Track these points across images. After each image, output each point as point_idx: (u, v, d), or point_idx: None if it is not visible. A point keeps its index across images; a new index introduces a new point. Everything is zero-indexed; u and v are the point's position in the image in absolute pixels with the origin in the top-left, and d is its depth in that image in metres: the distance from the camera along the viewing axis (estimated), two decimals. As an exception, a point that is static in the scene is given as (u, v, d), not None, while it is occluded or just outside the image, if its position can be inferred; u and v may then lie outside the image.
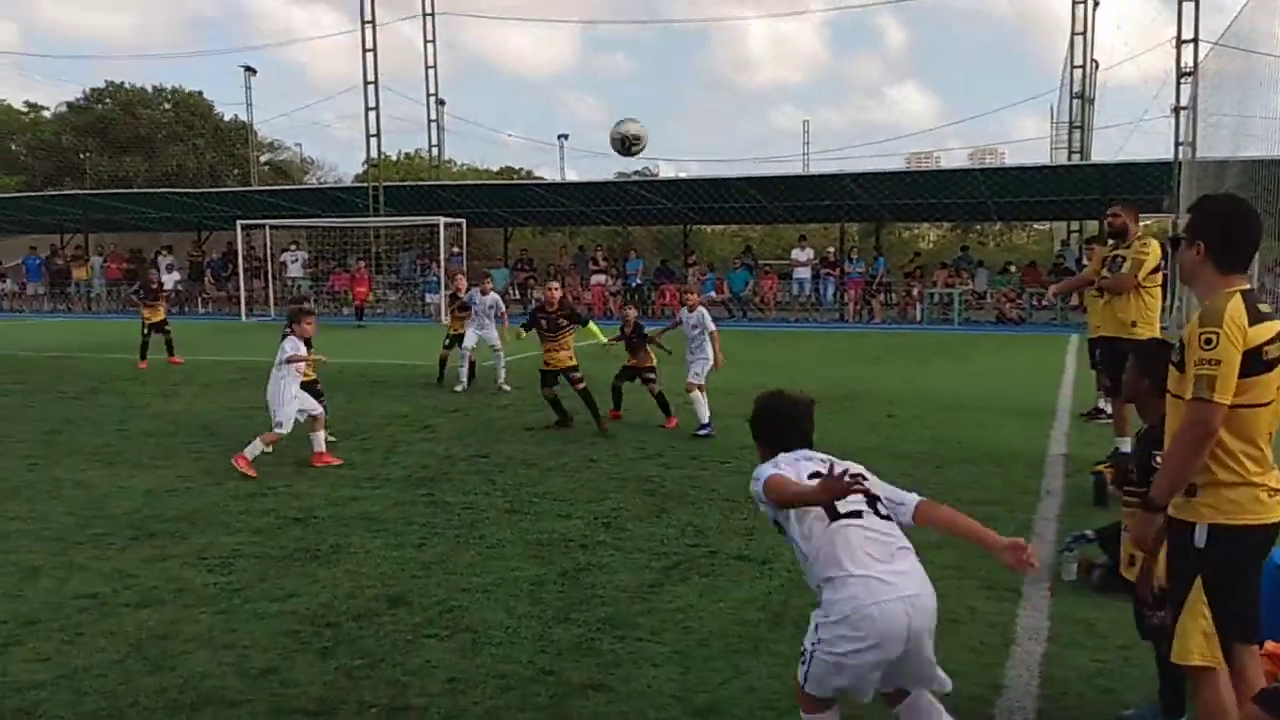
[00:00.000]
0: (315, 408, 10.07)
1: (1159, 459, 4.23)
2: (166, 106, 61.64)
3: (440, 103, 39.60)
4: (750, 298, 31.83)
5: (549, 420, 11.92)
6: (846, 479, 3.59)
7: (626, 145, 12.32)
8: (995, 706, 4.73)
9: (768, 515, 4.04)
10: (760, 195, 32.03)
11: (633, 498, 8.50)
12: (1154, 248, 9.42)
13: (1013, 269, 31.22)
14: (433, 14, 37.15)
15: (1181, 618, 3.74)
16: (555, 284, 13.13)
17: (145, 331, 18.55)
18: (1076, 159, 31.44)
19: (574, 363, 11.95)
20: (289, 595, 6.17)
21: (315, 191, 43.20)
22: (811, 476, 3.83)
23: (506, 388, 14.75)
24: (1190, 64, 22.87)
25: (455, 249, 31.79)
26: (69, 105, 61.86)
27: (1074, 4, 31.72)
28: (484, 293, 15.42)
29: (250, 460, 9.44)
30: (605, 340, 12.48)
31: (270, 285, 33.74)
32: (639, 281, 32.82)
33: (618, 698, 4.78)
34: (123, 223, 41.06)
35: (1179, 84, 23.65)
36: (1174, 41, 23.81)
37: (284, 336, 10.20)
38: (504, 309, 15.74)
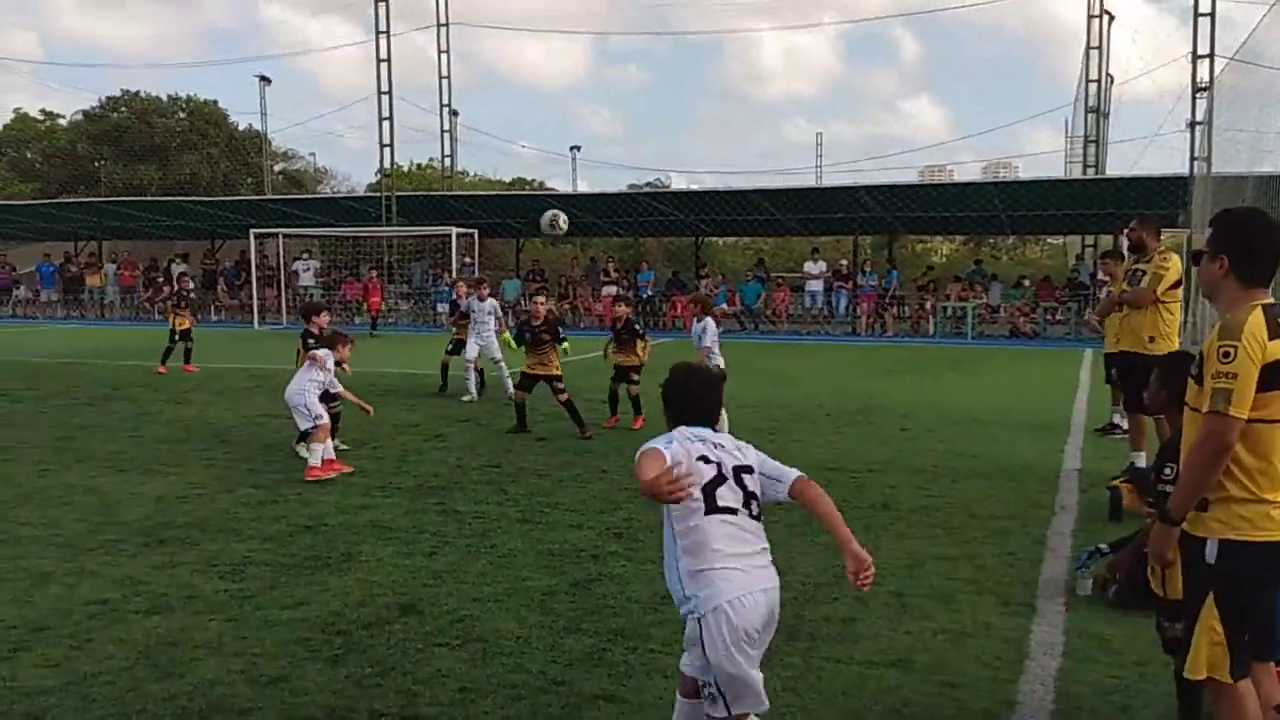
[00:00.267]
0: (324, 418, 10.11)
1: (1168, 470, 4.22)
2: (182, 115, 62.05)
3: (453, 113, 39.82)
4: (762, 310, 31.78)
5: (513, 425, 12.22)
6: (673, 486, 3.57)
7: (553, 225, 13.17)
8: (1010, 722, 4.69)
9: None
10: (773, 207, 32.02)
11: (644, 509, 8.45)
12: (1174, 263, 9.38)
13: (1026, 283, 31.17)
14: (447, 24, 37.42)
15: (1195, 633, 3.72)
16: (541, 299, 13.50)
17: (175, 337, 18.83)
18: (1091, 173, 31.38)
19: (558, 373, 12.32)
20: (299, 603, 6.15)
21: (328, 201, 43.34)
22: (700, 459, 3.84)
23: (465, 399, 14.85)
24: (1206, 79, 22.85)
25: (467, 259, 31.84)
26: (85, 113, 62.30)
27: (1090, 18, 31.76)
28: (481, 299, 15.44)
29: (320, 465, 9.57)
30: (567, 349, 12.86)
31: (283, 294, 33.83)
32: (650, 293, 32.80)
33: (629, 709, 4.74)
34: (137, 230, 41.26)
35: (1194, 99, 23.62)
36: (1190, 56, 23.80)
37: (306, 343, 10.82)
38: (501, 314, 15.82)
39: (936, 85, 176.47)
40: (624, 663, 5.25)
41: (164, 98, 62.61)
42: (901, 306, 31.34)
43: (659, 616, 5.90)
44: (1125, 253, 10.14)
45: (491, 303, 15.52)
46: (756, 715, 3.91)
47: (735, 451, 3.96)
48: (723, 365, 11.59)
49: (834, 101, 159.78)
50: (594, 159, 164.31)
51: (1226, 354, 3.55)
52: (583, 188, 55.84)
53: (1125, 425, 11.16)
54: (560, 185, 60.49)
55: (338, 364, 10.57)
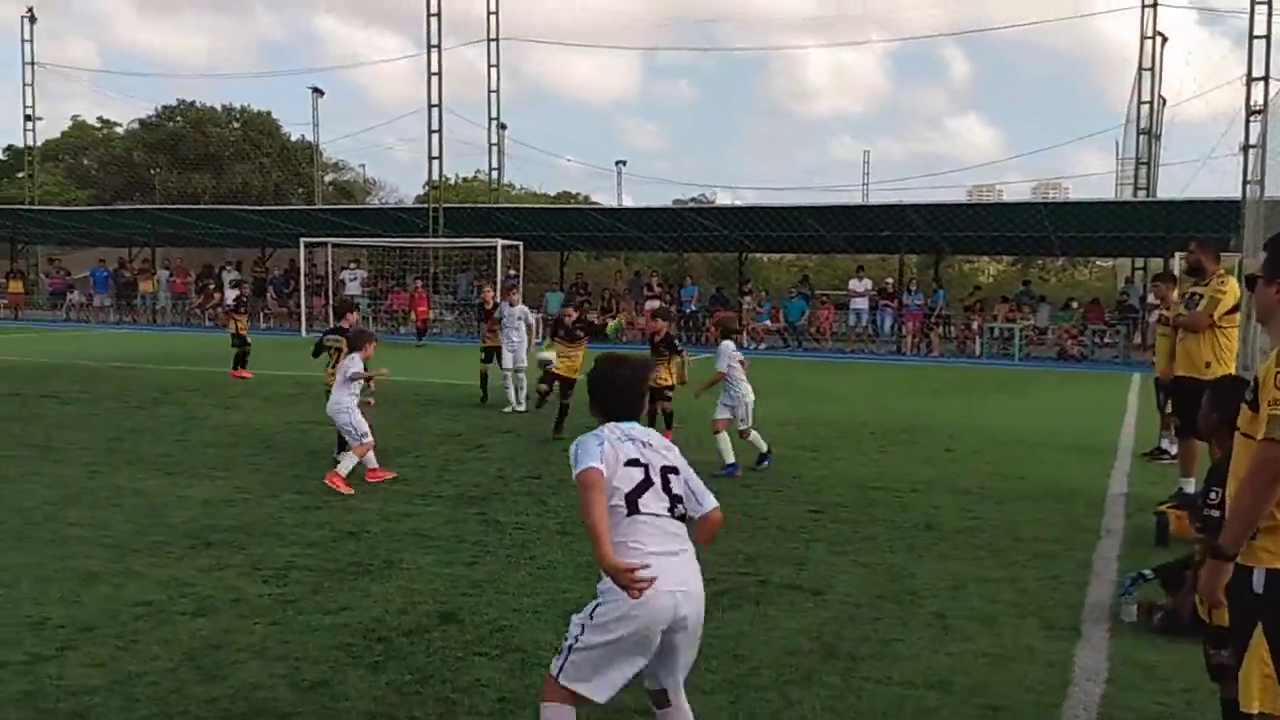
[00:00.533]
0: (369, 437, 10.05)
1: (1214, 494, 4.13)
2: (235, 125, 62.94)
3: (501, 127, 40.06)
4: (806, 327, 31.65)
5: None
6: (631, 583, 3.60)
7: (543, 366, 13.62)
8: (1052, 748, 4.63)
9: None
10: (818, 224, 31.92)
11: (685, 523, 8.44)
12: (1231, 286, 9.24)
13: (1075, 305, 30.80)
14: (497, 39, 37.67)
15: (1244, 664, 3.64)
16: (570, 310, 14.45)
17: (243, 342, 19.32)
18: (1142, 195, 31.03)
19: (574, 378, 12.75)
20: (341, 609, 6.20)
21: (377, 211, 43.79)
22: (629, 463, 3.85)
23: (520, 408, 14.92)
24: (1260, 101, 22.59)
25: (512, 271, 32.02)
26: (141, 122, 63.40)
27: (1143, 39, 31.41)
28: (511, 304, 15.61)
29: (344, 476, 9.50)
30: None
31: (329, 302, 34.15)
32: (694, 308, 32.79)
33: (666, 724, 4.72)
34: (189, 238, 41.88)
35: (1248, 121, 23.37)
36: (1244, 79, 23.53)
37: (322, 349, 11.11)
38: (532, 320, 15.96)
39: (985, 104, 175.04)
40: (662, 677, 5.23)
41: (218, 108, 63.63)
42: (947, 326, 31.10)
43: (698, 632, 5.88)
44: (1178, 275, 10.00)
45: (522, 309, 15.64)
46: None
47: (664, 451, 3.98)
48: (749, 390, 10.86)
49: (881, 119, 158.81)
50: (640, 174, 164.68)
51: None
52: (628, 202, 56.13)
53: (1174, 451, 11.02)
54: (606, 199, 60.74)
55: (365, 380, 10.25)
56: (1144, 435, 13.28)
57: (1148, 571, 6.45)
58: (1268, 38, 22.97)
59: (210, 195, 55.33)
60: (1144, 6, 31.08)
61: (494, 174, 41.53)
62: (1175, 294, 10.91)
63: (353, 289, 35.50)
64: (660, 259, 43.81)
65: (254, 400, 15.71)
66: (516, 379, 15.11)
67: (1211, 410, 4.53)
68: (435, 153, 35.60)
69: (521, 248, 31.79)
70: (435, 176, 36.65)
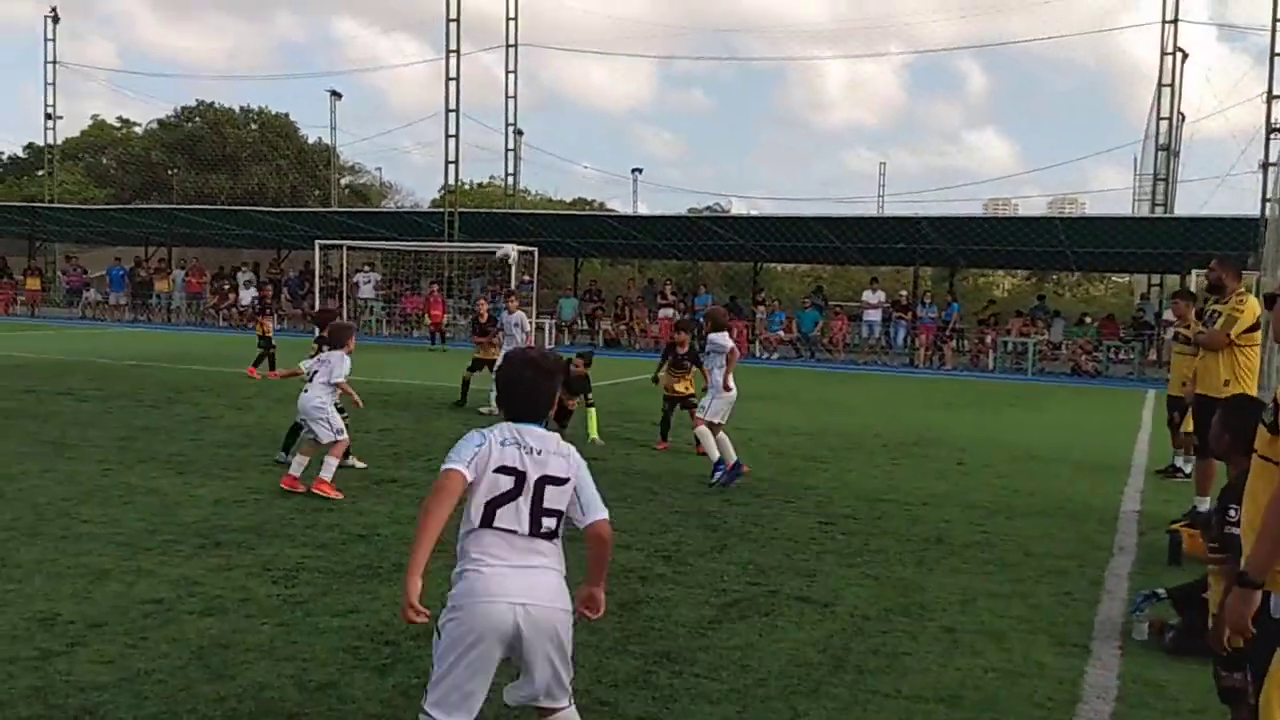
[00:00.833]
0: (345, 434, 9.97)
1: (1232, 511, 4.08)
2: (253, 127, 63.35)
3: (518, 132, 40.19)
4: (819, 338, 31.61)
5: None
6: (408, 617, 3.69)
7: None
8: (1061, 766, 4.60)
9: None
10: (833, 235, 31.90)
11: (694, 532, 8.44)
12: (1250, 305, 9.19)
13: (1089, 320, 30.70)
14: (515, 45, 37.82)
15: (1264, 688, 3.60)
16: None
17: (269, 343, 19.44)
18: (1160, 212, 30.93)
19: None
20: (350, 610, 6.20)
21: (393, 215, 43.94)
22: (501, 470, 3.72)
23: (484, 410, 14.72)
24: (1281, 119, 22.46)
25: (526, 277, 32.07)
26: (160, 122, 63.91)
27: (1163, 55, 31.35)
28: (510, 311, 15.58)
29: (331, 481, 9.39)
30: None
31: (344, 304, 34.26)
32: (707, 317, 32.69)
33: (673, 733, 4.72)
34: (205, 238, 42.11)
35: (1268, 139, 23.30)
36: (1264, 97, 23.45)
37: (320, 349, 10.58)
38: (529, 328, 15.88)
39: (1002, 118, 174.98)
40: (669, 685, 5.22)
41: (237, 109, 64.05)
42: (961, 340, 31.02)
43: (705, 641, 5.88)
44: (1196, 293, 9.96)
45: (519, 315, 15.55)
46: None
47: (554, 457, 3.80)
48: (731, 387, 10.66)
49: (897, 131, 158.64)
50: (655, 181, 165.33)
51: None
52: (643, 210, 56.13)
53: (1188, 469, 10.97)
54: (620, 207, 60.78)
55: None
56: (1158, 452, 13.21)
57: (1160, 590, 6.40)
58: (1288, 56, 22.92)
59: (227, 196, 55.63)
60: (1165, 22, 31.06)
61: (510, 179, 41.66)
62: (1189, 311, 10.89)
63: (366, 292, 35.64)
64: (674, 267, 43.88)
65: (266, 401, 15.74)
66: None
67: (1224, 430, 4.48)
68: (452, 157, 35.74)
69: (536, 253, 31.84)
70: (451, 181, 36.77)
